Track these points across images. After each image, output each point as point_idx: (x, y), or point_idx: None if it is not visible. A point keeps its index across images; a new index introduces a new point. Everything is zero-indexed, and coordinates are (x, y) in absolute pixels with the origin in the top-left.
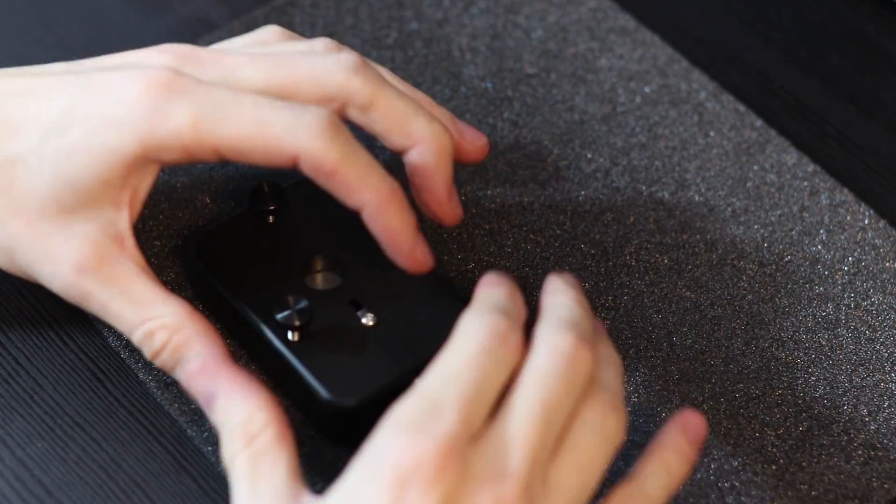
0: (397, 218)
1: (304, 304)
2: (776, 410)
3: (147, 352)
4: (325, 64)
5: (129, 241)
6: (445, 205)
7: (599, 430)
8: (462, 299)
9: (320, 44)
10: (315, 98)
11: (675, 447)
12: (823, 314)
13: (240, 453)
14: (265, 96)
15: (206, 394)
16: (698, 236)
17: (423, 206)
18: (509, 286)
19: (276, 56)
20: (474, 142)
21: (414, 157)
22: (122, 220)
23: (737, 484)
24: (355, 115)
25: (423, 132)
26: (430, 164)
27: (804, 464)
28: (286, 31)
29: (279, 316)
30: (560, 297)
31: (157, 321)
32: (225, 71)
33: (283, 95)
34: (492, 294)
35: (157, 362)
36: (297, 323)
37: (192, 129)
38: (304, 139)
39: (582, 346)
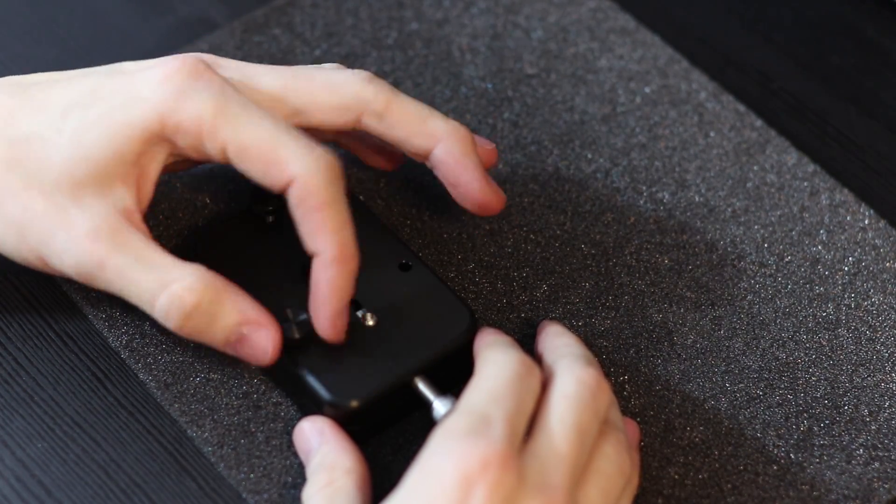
0: (344, 278)
1: (303, 317)
2: (777, 410)
3: (175, 317)
4: (340, 75)
5: (138, 217)
6: (487, 188)
7: (618, 465)
8: (462, 299)
9: (331, 65)
10: (332, 107)
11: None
12: (824, 314)
13: (320, 491)
14: (285, 123)
15: (306, 449)
16: (698, 236)
17: (464, 200)
18: (496, 335)
19: (293, 68)
20: (485, 146)
21: (441, 154)
22: (132, 199)
23: (738, 484)
24: (372, 123)
25: (443, 128)
26: (459, 156)
27: (805, 464)
28: None
29: None
30: (568, 338)
31: (179, 283)
32: (246, 76)
33: (301, 104)
34: (498, 337)
35: (187, 328)
36: (296, 336)
37: (212, 119)
38: (309, 168)
39: (603, 379)
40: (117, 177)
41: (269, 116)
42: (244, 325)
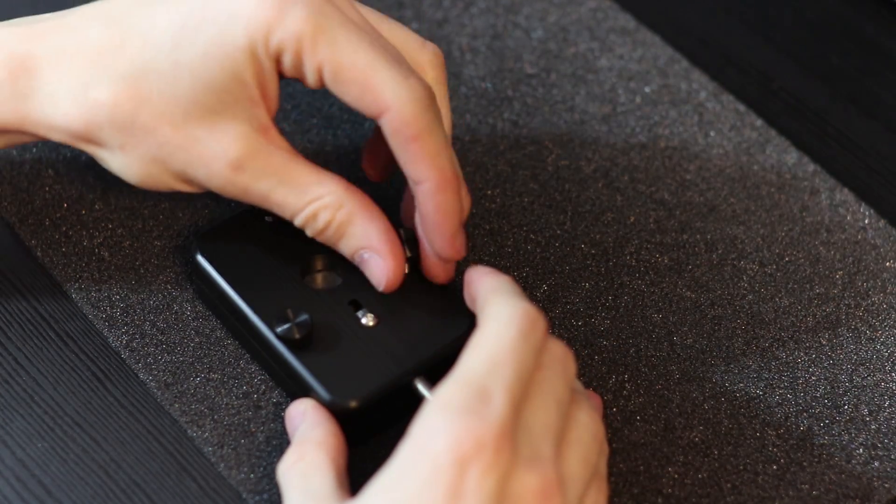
0: (452, 201)
1: (303, 317)
2: (777, 410)
3: (310, 231)
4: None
5: (273, 130)
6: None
7: (592, 432)
8: (461, 299)
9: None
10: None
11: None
12: (824, 314)
13: (292, 467)
14: (381, 44)
15: (292, 431)
16: (698, 236)
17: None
18: (498, 275)
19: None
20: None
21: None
22: (262, 114)
23: (737, 483)
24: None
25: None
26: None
27: (805, 463)
28: None
29: (279, 329)
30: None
31: (318, 202)
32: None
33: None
34: (501, 281)
35: (321, 238)
36: (296, 336)
37: (311, 36)
38: (403, 97)
39: (568, 350)
40: (244, 98)
41: (366, 38)
42: (366, 250)
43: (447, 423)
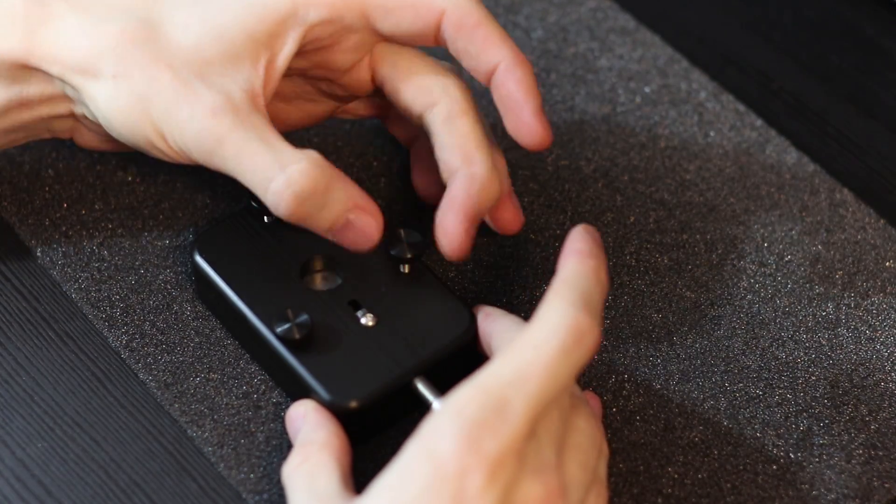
0: (530, 75)
1: (303, 317)
2: (776, 410)
3: (288, 200)
4: None
5: (261, 101)
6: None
7: (590, 437)
8: (462, 300)
9: None
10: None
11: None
12: (823, 314)
13: (297, 468)
14: None
15: (293, 433)
16: (698, 236)
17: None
18: (597, 258)
19: None
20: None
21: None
22: (258, 81)
23: (737, 483)
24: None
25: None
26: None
27: (805, 463)
28: None
29: (279, 329)
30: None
31: (296, 166)
32: None
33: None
34: (580, 273)
35: (299, 211)
36: (296, 336)
37: None
38: None
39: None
40: (246, 57)
41: None
42: (352, 210)
43: (457, 431)
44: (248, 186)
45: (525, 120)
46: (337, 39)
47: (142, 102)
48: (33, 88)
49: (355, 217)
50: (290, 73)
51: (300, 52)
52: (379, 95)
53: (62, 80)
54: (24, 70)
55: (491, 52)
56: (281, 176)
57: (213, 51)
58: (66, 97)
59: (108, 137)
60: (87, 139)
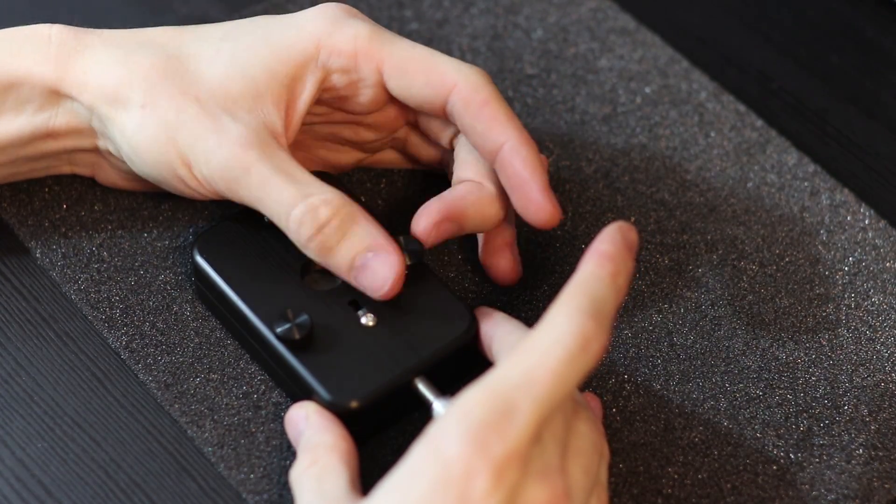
0: (535, 155)
1: (303, 317)
2: (776, 410)
3: (308, 227)
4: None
5: (284, 141)
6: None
7: (592, 441)
8: (462, 300)
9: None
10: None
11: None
12: (824, 314)
13: (305, 471)
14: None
15: (295, 435)
16: (698, 236)
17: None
18: (617, 262)
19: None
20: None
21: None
22: (280, 121)
23: (737, 484)
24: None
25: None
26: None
27: (805, 464)
28: None
29: (279, 329)
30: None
31: (319, 197)
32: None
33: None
34: (595, 276)
35: (317, 241)
36: (296, 336)
37: (368, 39)
38: (466, 72)
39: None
40: (269, 97)
41: (417, 44)
42: (372, 249)
43: (464, 433)
44: (270, 216)
45: (533, 197)
46: (353, 91)
47: (169, 131)
48: (61, 118)
49: (373, 257)
50: (310, 120)
51: (319, 100)
52: (402, 146)
53: (91, 110)
54: (55, 97)
55: (496, 132)
56: (302, 204)
57: (238, 87)
58: (92, 130)
59: (130, 175)
60: (108, 176)
